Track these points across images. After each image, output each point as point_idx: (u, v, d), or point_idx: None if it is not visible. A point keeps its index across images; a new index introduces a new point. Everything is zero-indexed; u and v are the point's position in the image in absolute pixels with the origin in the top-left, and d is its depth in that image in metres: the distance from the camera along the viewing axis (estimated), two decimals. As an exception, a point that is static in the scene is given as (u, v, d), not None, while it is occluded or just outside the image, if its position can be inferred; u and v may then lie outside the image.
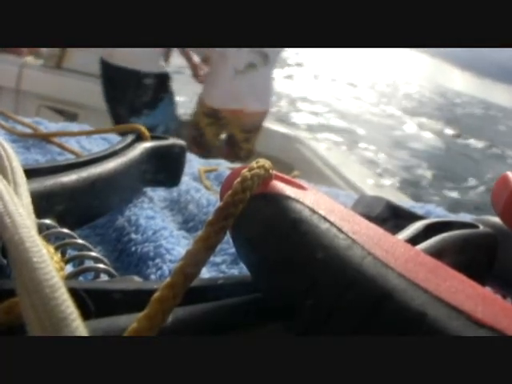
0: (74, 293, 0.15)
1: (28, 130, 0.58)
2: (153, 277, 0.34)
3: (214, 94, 2.11)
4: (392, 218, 0.42)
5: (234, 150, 2.22)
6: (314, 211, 0.18)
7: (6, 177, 0.22)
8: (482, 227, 0.32)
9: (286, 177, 0.21)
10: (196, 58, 2.21)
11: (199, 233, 0.18)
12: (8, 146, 0.25)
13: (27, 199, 0.22)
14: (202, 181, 0.59)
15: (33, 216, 0.21)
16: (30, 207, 0.21)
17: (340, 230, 0.18)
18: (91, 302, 0.19)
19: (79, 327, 0.13)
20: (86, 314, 0.14)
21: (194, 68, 2.21)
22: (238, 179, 0.19)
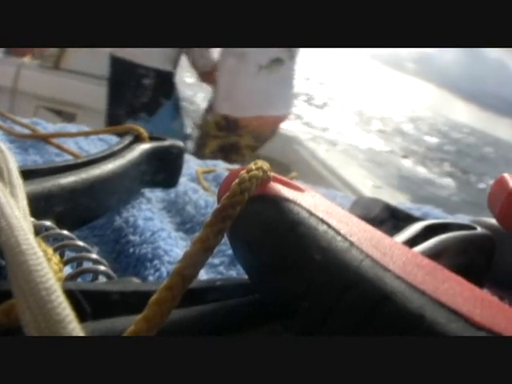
0: (71, 295, 0.15)
1: (26, 131, 0.58)
2: (151, 278, 0.34)
3: (232, 99, 1.71)
4: (390, 219, 0.42)
5: (231, 155, 1.76)
6: (311, 213, 0.19)
7: (1, 178, 0.22)
8: (479, 229, 0.32)
9: (284, 179, 0.21)
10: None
11: (197, 234, 0.18)
12: (4, 147, 0.25)
13: (24, 201, 0.22)
14: (200, 182, 0.59)
15: (29, 218, 0.21)
16: (27, 209, 0.21)
17: (338, 232, 0.18)
18: (88, 304, 0.19)
19: (75, 329, 0.13)
20: (82, 316, 0.14)
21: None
22: (236, 181, 0.19)
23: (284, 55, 1.69)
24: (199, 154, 1.55)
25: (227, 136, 1.72)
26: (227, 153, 1.72)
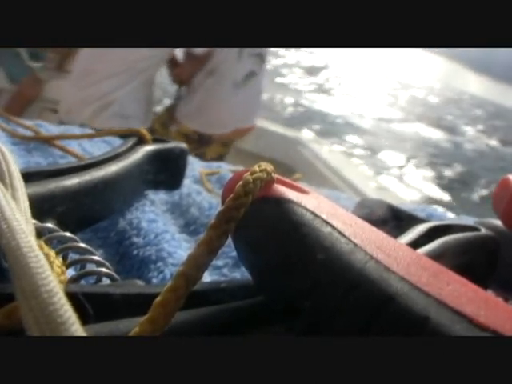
0: (73, 297, 0.15)
1: (29, 133, 0.58)
2: (154, 280, 0.34)
3: (206, 117, 1.71)
4: (393, 221, 0.42)
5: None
6: (315, 215, 0.18)
7: (3, 181, 0.22)
8: (483, 230, 0.32)
9: (287, 180, 0.21)
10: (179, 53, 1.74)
11: (201, 236, 0.18)
12: (6, 150, 0.25)
13: (25, 203, 0.22)
14: (204, 184, 0.59)
15: (31, 221, 0.21)
16: (28, 212, 0.21)
17: (342, 233, 0.18)
18: (91, 306, 0.19)
19: (78, 331, 0.13)
20: (85, 319, 0.14)
21: (174, 63, 1.75)
22: (240, 183, 0.19)
23: (256, 67, 1.73)
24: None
25: (196, 148, 1.70)
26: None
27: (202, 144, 1.74)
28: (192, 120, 1.73)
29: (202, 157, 1.66)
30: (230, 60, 1.68)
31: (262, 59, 1.76)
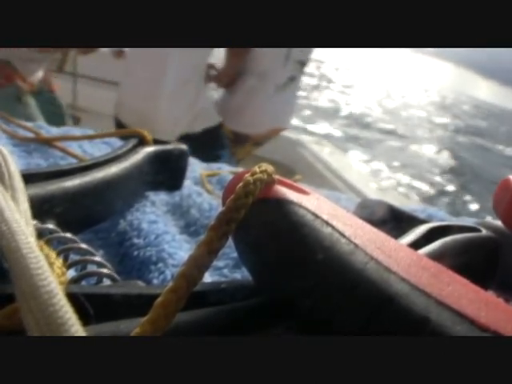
0: (74, 298, 0.15)
1: (30, 134, 0.58)
2: (155, 281, 0.34)
3: (244, 117, 1.76)
4: (394, 221, 0.42)
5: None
6: (316, 216, 0.18)
7: (3, 183, 0.22)
8: (484, 231, 0.32)
9: (288, 181, 0.21)
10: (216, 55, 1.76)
11: (202, 237, 0.18)
12: (6, 151, 0.25)
13: (25, 205, 0.21)
14: (204, 185, 0.59)
15: (31, 222, 0.21)
16: (28, 213, 0.21)
17: (342, 234, 0.18)
18: (92, 307, 0.19)
19: (78, 332, 0.13)
20: (85, 319, 0.14)
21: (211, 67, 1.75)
22: (241, 184, 0.19)
23: (297, 73, 1.78)
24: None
25: (231, 147, 1.79)
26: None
27: (237, 143, 1.81)
28: (231, 120, 1.78)
29: (233, 156, 1.79)
30: (277, 65, 1.73)
31: (303, 65, 1.81)
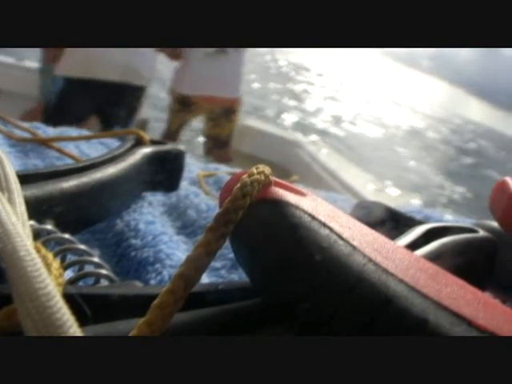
0: (71, 299, 0.15)
1: (26, 135, 0.58)
2: (152, 282, 0.34)
3: (184, 80, 2.10)
4: (391, 223, 0.42)
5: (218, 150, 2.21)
6: (313, 217, 0.18)
7: (-2, 184, 0.22)
8: (481, 232, 0.32)
9: (285, 183, 0.21)
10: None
11: (199, 238, 0.18)
12: (1, 152, 0.25)
13: (22, 206, 0.21)
14: (201, 186, 0.59)
15: (27, 224, 0.21)
16: (25, 215, 0.21)
17: (340, 236, 0.18)
18: (89, 308, 0.19)
19: (76, 333, 0.13)
20: (83, 320, 0.14)
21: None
22: (238, 185, 0.19)
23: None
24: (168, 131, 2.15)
25: (184, 111, 2.15)
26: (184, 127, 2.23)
27: (186, 106, 2.14)
28: (175, 84, 2.14)
29: (186, 124, 2.20)
30: None
31: None
